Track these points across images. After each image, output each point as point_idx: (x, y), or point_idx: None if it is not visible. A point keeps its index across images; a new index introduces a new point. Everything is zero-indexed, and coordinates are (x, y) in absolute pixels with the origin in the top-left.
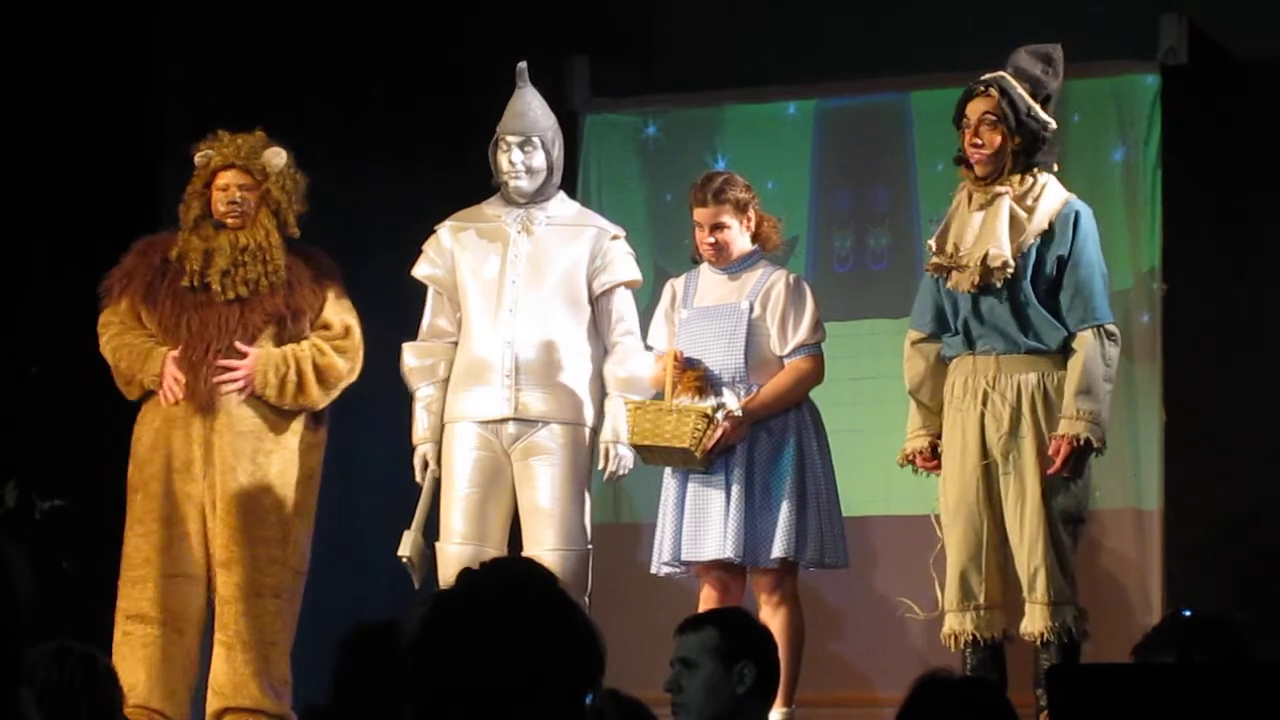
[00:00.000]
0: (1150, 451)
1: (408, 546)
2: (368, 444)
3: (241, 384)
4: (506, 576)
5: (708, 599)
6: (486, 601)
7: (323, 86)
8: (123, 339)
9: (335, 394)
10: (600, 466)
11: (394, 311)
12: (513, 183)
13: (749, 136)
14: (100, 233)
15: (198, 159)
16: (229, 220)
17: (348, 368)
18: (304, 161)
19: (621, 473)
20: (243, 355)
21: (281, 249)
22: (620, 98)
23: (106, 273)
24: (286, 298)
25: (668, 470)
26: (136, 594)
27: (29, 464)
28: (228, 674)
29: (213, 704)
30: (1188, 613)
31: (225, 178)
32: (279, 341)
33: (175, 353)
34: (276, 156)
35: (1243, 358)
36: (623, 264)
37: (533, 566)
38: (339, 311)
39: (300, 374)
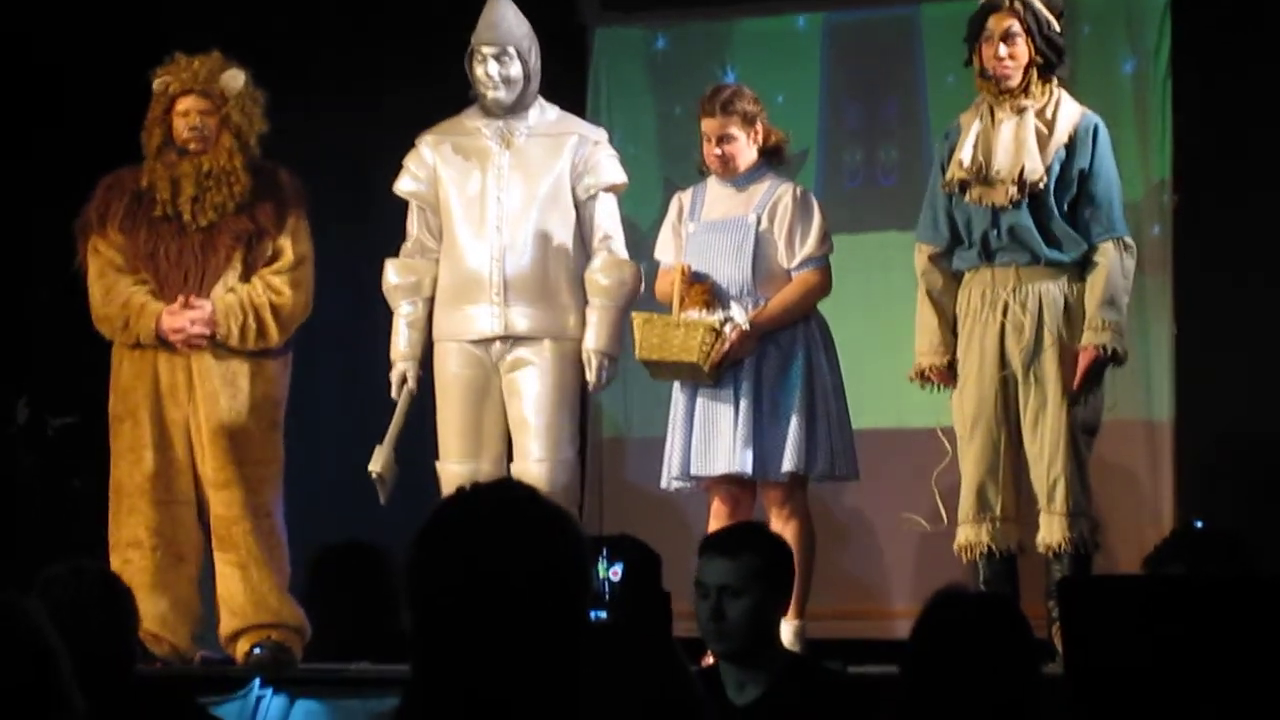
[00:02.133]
0: (1161, 363)
1: (378, 462)
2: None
3: (201, 332)
4: (489, 493)
5: (718, 513)
6: (473, 518)
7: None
8: (115, 285)
9: (292, 330)
10: (589, 377)
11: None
12: (490, 94)
13: (758, 50)
14: (108, 156)
15: (156, 85)
16: (191, 145)
17: (302, 302)
18: (307, 89)
19: (605, 382)
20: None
21: (245, 171)
22: (629, 11)
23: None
24: (251, 218)
25: (676, 384)
26: (133, 522)
27: (41, 382)
28: (245, 593)
29: (230, 624)
30: (1198, 525)
31: (185, 103)
32: (245, 265)
33: (170, 308)
34: (234, 79)
35: (1254, 270)
36: (606, 168)
37: (513, 483)
38: (297, 240)
39: (259, 320)
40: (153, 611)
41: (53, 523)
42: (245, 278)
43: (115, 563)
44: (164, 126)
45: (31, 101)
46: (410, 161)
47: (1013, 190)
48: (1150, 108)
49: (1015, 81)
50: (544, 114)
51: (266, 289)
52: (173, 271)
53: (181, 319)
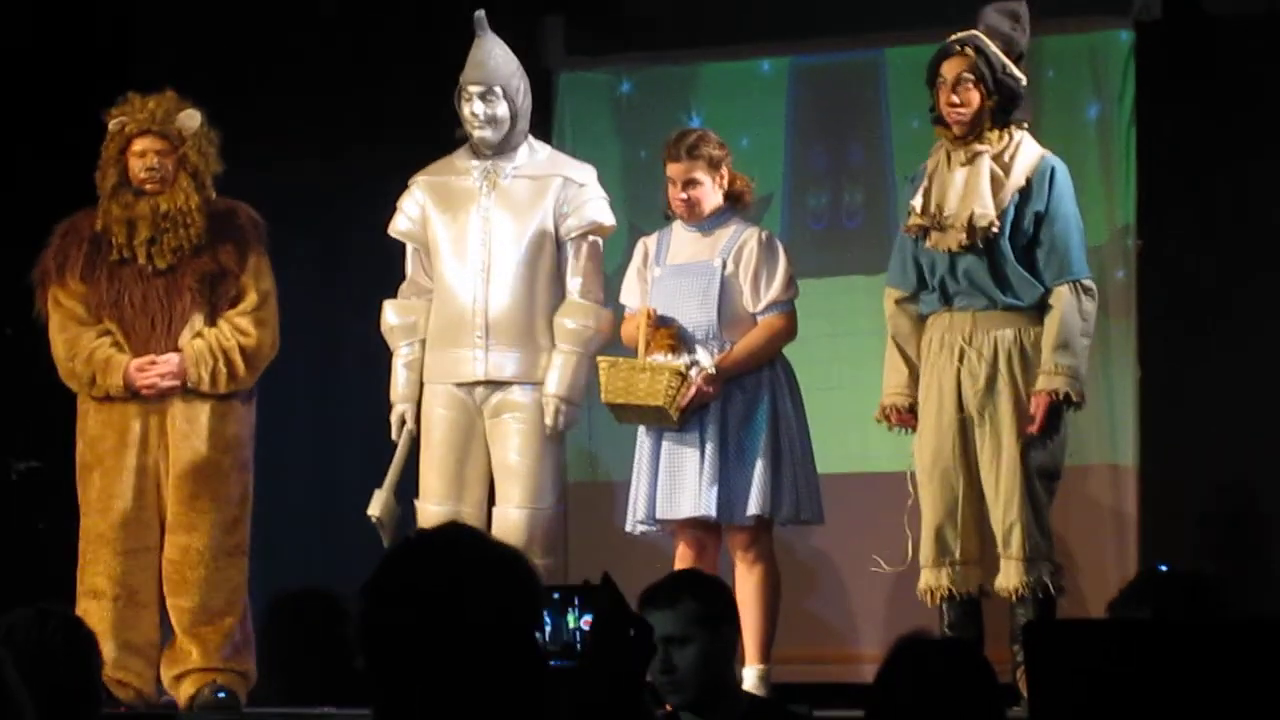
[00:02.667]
0: (1126, 407)
1: (377, 506)
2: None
3: (172, 384)
4: (437, 538)
5: (683, 557)
6: (423, 563)
7: (287, 44)
8: (78, 340)
9: (262, 369)
10: (546, 421)
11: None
12: (476, 134)
13: (723, 94)
14: (73, 194)
15: (111, 125)
16: (148, 186)
17: (269, 340)
18: (282, 128)
19: (562, 427)
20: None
21: (202, 212)
22: (594, 55)
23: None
24: (213, 258)
25: (641, 429)
26: (94, 571)
27: (4, 426)
28: (189, 639)
29: (175, 666)
30: (1163, 568)
31: (142, 143)
32: (210, 306)
33: (136, 362)
34: (190, 119)
35: (1217, 314)
36: (590, 209)
37: (457, 526)
38: (259, 278)
39: (230, 363)
40: (113, 658)
41: (18, 567)
42: (210, 319)
43: (77, 610)
44: (119, 167)
45: None
46: (404, 202)
47: (962, 235)
48: (1114, 152)
49: (966, 128)
50: (533, 154)
51: (235, 331)
52: (138, 319)
53: (151, 375)
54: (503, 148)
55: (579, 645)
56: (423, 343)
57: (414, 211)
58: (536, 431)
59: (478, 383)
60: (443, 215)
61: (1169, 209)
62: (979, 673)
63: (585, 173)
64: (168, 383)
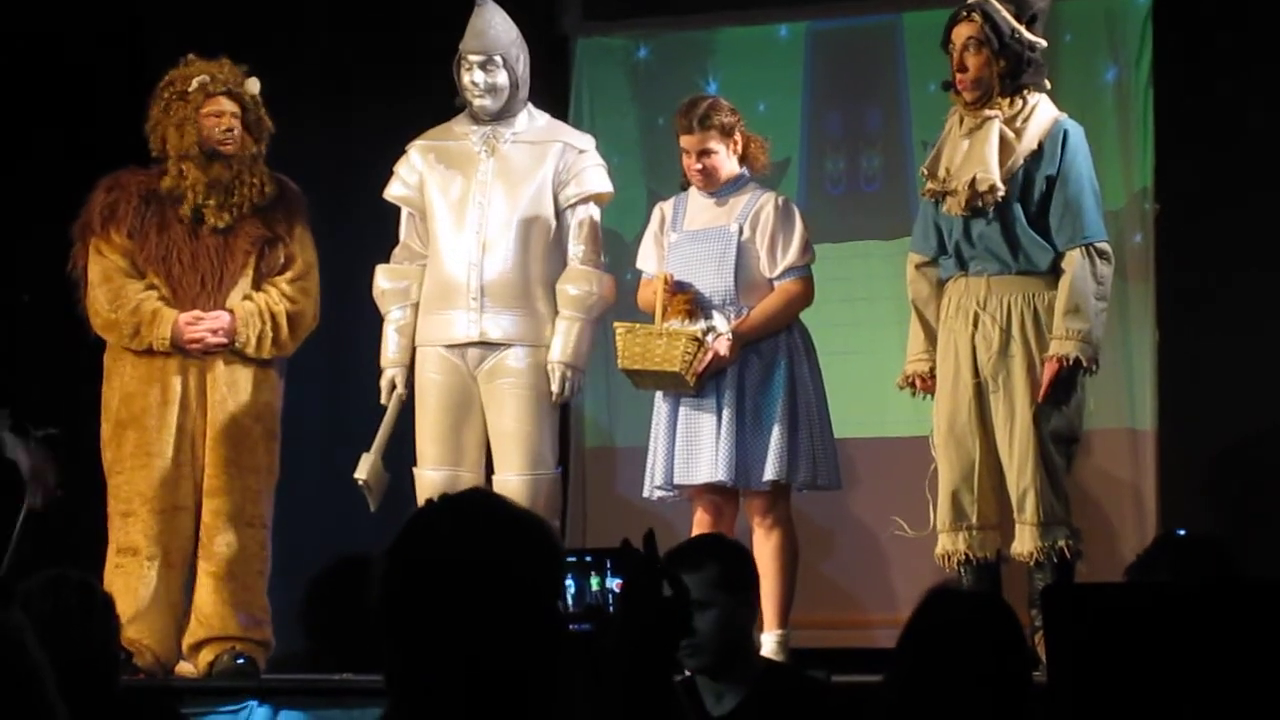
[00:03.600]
0: (1144, 372)
1: (365, 470)
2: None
3: (221, 343)
4: (459, 503)
5: (701, 522)
6: (444, 528)
7: (306, 10)
8: (123, 290)
9: (303, 339)
10: (552, 388)
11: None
12: (476, 102)
13: (741, 59)
14: (93, 163)
15: (194, 84)
16: (225, 148)
17: (312, 311)
18: (295, 93)
19: (568, 393)
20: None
21: (269, 177)
22: (611, 21)
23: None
24: (266, 222)
25: (659, 394)
26: (130, 527)
27: (22, 391)
28: (214, 605)
29: (196, 633)
30: (1181, 533)
31: (219, 104)
32: (257, 271)
33: (185, 316)
34: (253, 83)
35: (1235, 277)
36: (589, 177)
37: (482, 492)
38: (304, 248)
39: (276, 328)
40: (141, 619)
41: (37, 532)
42: (256, 284)
43: (108, 567)
44: (195, 126)
45: (9, 106)
46: (400, 167)
47: (964, 199)
48: (1132, 116)
49: (975, 93)
50: (533, 120)
51: (282, 297)
52: (187, 275)
53: (201, 329)
54: (502, 114)
55: (610, 607)
56: (415, 307)
57: (410, 177)
58: (534, 396)
59: (471, 344)
60: (440, 180)
61: (1187, 173)
62: (1008, 626)
63: (585, 140)
64: (217, 339)
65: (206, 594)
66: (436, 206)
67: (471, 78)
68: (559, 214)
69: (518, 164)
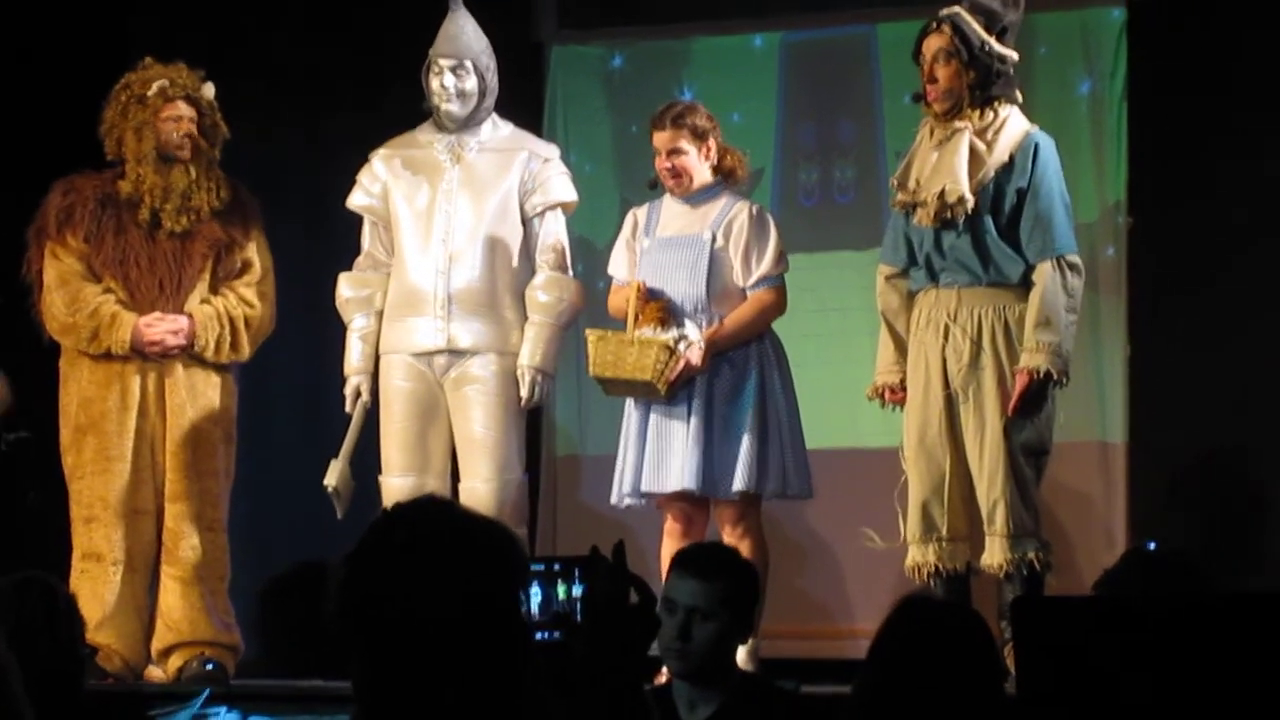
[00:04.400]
0: (1115, 385)
1: (334, 476)
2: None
3: (181, 345)
4: (416, 511)
5: (671, 531)
6: (401, 536)
7: (280, 16)
8: (80, 294)
9: (259, 343)
10: (522, 393)
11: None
12: (444, 106)
13: (715, 68)
14: (55, 166)
15: (153, 88)
16: (181, 152)
17: (269, 315)
18: (267, 100)
19: (538, 398)
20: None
21: (224, 182)
22: (586, 29)
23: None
24: (223, 226)
25: (629, 402)
26: (93, 533)
27: None
28: (183, 610)
29: (165, 639)
30: (1151, 546)
31: (177, 108)
32: (214, 275)
33: (144, 319)
34: (209, 88)
35: (1207, 291)
36: (555, 185)
37: (438, 499)
38: (261, 253)
39: (234, 332)
40: (108, 624)
41: (7, 538)
42: (213, 288)
43: (74, 573)
44: (154, 131)
45: None
46: (363, 176)
47: (933, 211)
48: (1106, 129)
49: (945, 104)
50: (497, 130)
51: (240, 301)
52: (145, 279)
53: (160, 329)
54: (468, 122)
55: (577, 615)
56: (379, 315)
57: (373, 185)
58: (501, 403)
59: (438, 351)
60: (405, 188)
61: (1160, 186)
62: (979, 636)
63: (549, 149)
64: (177, 340)
65: (174, 599)
66: (401, 215)
67: (442, 81)
68: (525, 222)
69: (483, 172)
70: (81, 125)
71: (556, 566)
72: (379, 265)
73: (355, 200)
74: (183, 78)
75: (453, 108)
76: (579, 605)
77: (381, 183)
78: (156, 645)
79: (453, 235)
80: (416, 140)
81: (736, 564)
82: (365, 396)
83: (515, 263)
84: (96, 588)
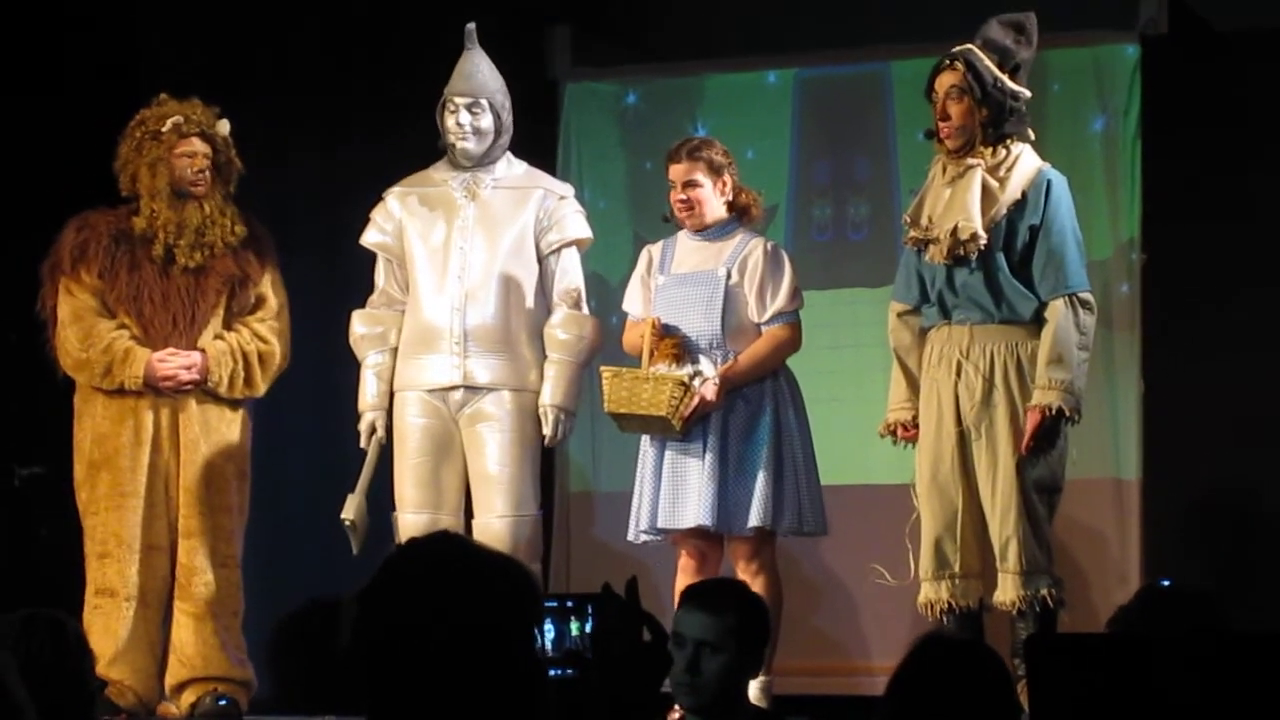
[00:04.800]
0: (1129, 422)
1: (351, 510)
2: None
3: (194, 380)
4: (429, 547)
5: (686, 568)
6: (415, 572)
7: (297, 54)
8: (94, 329)
9: (274, 378)
10: (545, 431)
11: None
12: (459, 144)
13: (729, 105)
14: (72, 201)
15: (168, 124)
16: (196, 189)
17: (283, 352)
18: (283, 136)
19: (561, 436)
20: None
21: (239, 218)
22: (600, 66)
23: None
24: (237, 262)
25: (645, 438)
26: (107, 568)
27: (8, 431)
28: (196, 645)
29: (178, 674)
30: (1165, 583)
31: (192, 144)
32: (228, 311)
33: (159, 354)
34: (224, 124)
35: (1221, 328)
36: (570, 223)
37: (452, 535)
38: (276, 289)
39: (248, 368)
40: (121, 660)
41: (20, 573)
42: (227, 324)
43: (86, 609)
44: (168, 167)
45: None
46: (377, 214)
47: (946, 248)
48: (1119, 166)
49: (958, 141)
50: (511, 168)
51: (254, 337)
52: (158, 315)
53: (174, 365)
54: (483, 160)
55: (590, 652)
56: (393, 351)
57: (387, 224)
58: (516, 439)
59: (453, 387)
60: (420, 226)
61: (1173, 223)
62: (997, 675)
63: (564, 187)
64: (190, 375)
65: (187, 634)
66: (416, 252)
67: (457, 119)
68: (540, 260)
69: (499, 210)
70: (95, 161)
71: (569, 603)
72: (393, 302)
73: (369, 238)
74: (197, 114)
75: (468, 145)
76: (591, 642)
77: (396, 220)
78: (170, 681)
79: (468, 272)
80: (431, 178)
81: (744, 597)
82: (380, 432)
83: (530, 300)
84: (109, 623)
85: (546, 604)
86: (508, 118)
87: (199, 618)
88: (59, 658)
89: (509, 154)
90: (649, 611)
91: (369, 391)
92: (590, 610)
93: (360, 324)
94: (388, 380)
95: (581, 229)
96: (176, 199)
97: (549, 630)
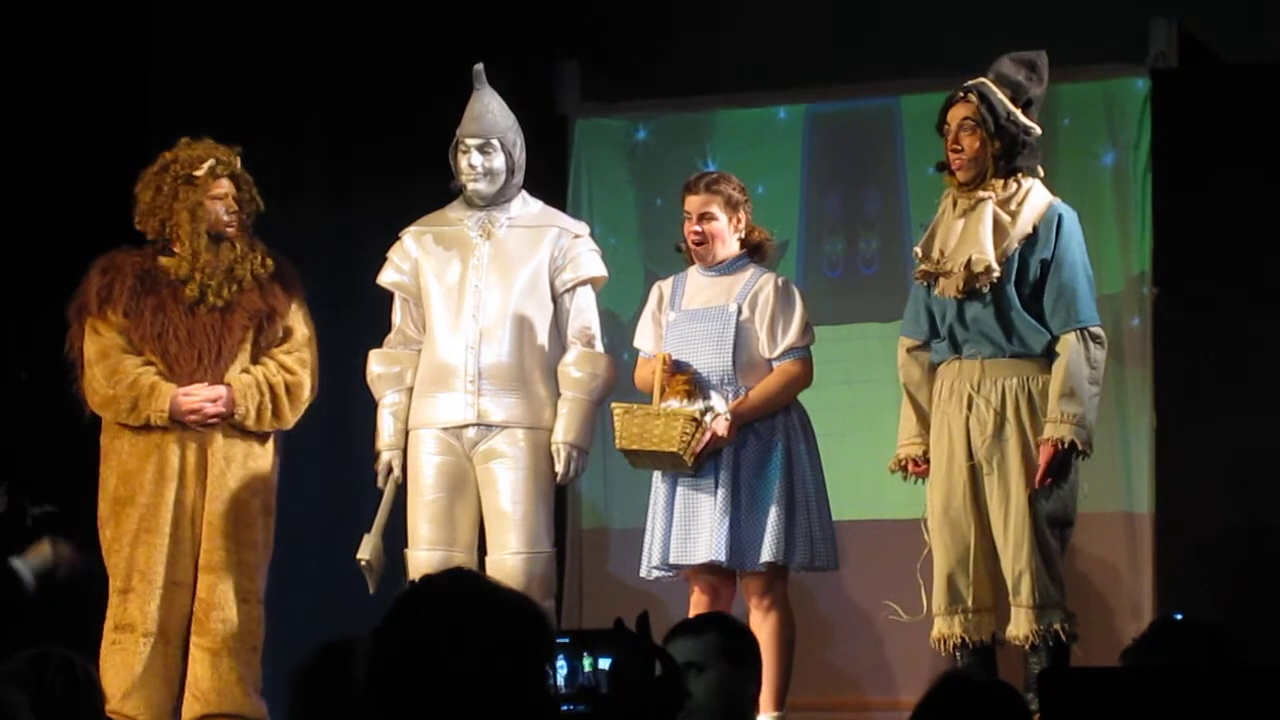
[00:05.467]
0: (1141, 455)
1: (367, 550)
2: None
3: (220, 413)
4: (442, 584)
5: (698, 603)
6: (427, 610)
7: (308, 94)
8: (120, 366)
9: (302, 411)
10: (557, 469)
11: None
12: (471, 185)
13: (739, 141)
14: (88, 239)
15: (204, 168)
16: (229, 230)
17: (311, 384)
18: (296, 175)
19: (573, 474)
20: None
21: (269, 255)
22: (610, 102)
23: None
24: (263, 296)
25: (656, 474)
26: (128, 604)
27: (20, 469)
28: (212, 680)
29: (194, 710)
30: (1178, 617)
31: (221, 187)
32: (256, 346)
33: (185, 389)
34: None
35: (1233, 361)
36: (585, 261)
37: (465, 571)
38: (302, 321)
39: (275, 400)
40: (137, 695)
41: (36, 610)
42: (255, 358)
43: (105, 643)
44: (205, 211)
45: (15, 189)
46: (393, 254)
47: (960, 281)
48: (1130, 199)
49: (969, 173)
50: (526, 206)
51: (280, 369)
52: (184, 352)
53: (198, 400)
54: (497, 199)
55: (602, 688)
56: (409, 391)
57: (404, 263)
58: (530, 477)
59: (467, 425)
60: (436, 265)
61: (1184, 257)
62: (1017, 714)
63: (579, 225)
64: (215, 409)
65: (203, 670)
66: (432, 291)
67: (469, 160)
68: (555, 298)
69: (513, 248)
70: (94, 201)
71: (581, 639)
72: (409, 342)
73: (386, 277)
74: (222, 154)
75: (480, 186)
76: (604, 677)
77: (412, 260)
78: (186, 716)
79: (483, 311)
80: (447, 217)
81: (723, 620)
82: (397, 472)
83: (545, 338)
84: (127, 659)
85: (560, 640)
86: (520, 156)
87: (215, 653)
88: (69, 696)
89: (524, 192)
90: (660, 646)
91: (385, 430)
92: (604, 646)
93: (377, 363)
94: (404, 420)
95: (596, 267)
96: (213, 242)
97: (562, 666)
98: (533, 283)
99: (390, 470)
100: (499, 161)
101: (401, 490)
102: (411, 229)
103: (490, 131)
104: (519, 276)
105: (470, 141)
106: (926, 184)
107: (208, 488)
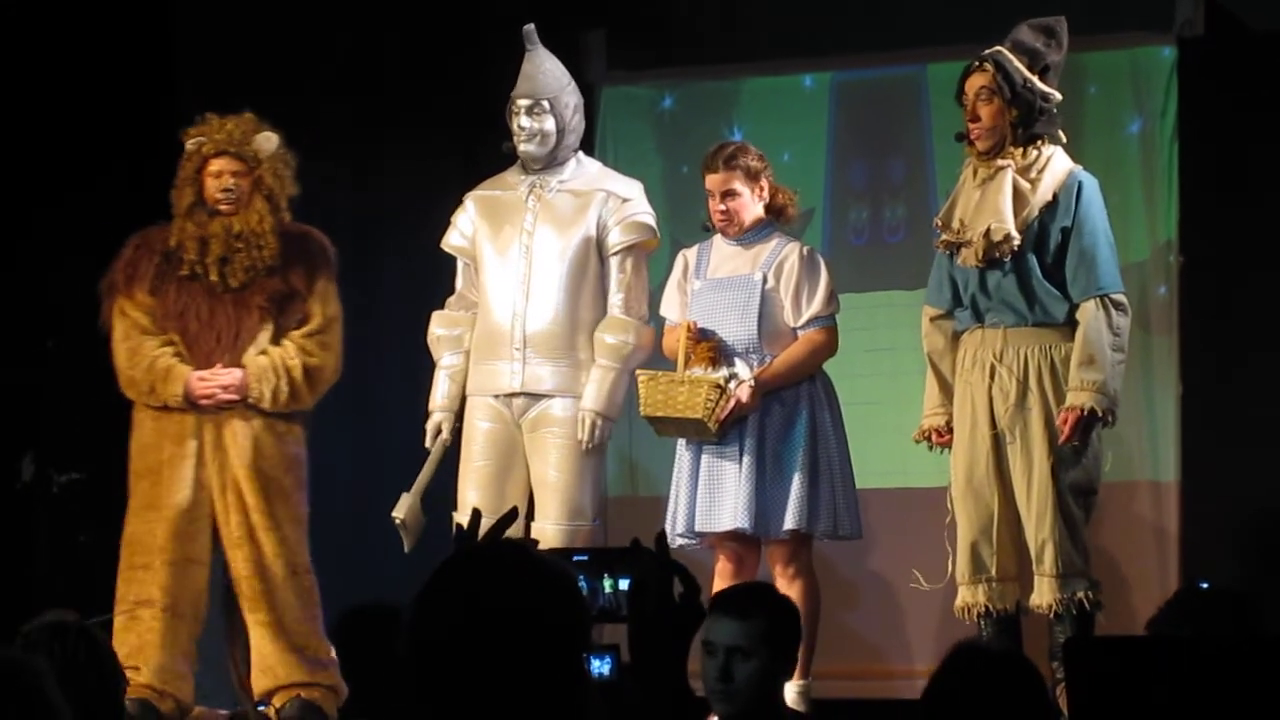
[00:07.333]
0: (1167, 424)
1: (403, 509)
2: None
3: (232, 398)
4: (485, 552)
5: (723, 571)
6: (470, 577)
7: (335, 66)
8: (140, 348)
9: (323, 392)
10: (581, 436)
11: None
12: (522, 147)
13: (765, 109)
14: (118, 210)
15: (189, 145)
16: (222, 207)
17: (333, 364)
18: (327, 144)
19: (596, 441)
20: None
21: (275, 234)
22: (636, 70)
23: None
24: (283, 280)
25: (681, 442)
26: (145, 579)
27: (46, 437)
28: (275, 654)
29: (262, 683)
30: (1204, 585)
31: (218, 164)
32: (276, 328)
33: (199, 373)
34: (268, 141)
35: (1259, 330)
36: (633, 224)
37: (509, 540)
38: (326, 302)
39: (292, 382)
40: (158, 667)
41: (59, 579)
42: (275, 339)
43: (120, 619)
44: (195, 186)
45: (51, 159)
46: (457, 217)
47: (979, 250)
48: (1156, 168)
49: (988, 142)
50: (580, 168)
51: (298, 351)
52: (204, 332)
53: (212, 384)
54: (549, 162)
55: (622, 610)
56: (467, 354)
57: (466, 227)
58: (575, 447)
59: (515, 394)
60: (489, 229)
61: (1211, 225)
62: (1031, 684)
63: (631, 187)
64: (227, 395)
65: (265, 644)
66: (486, 256)
67: (519, 122)
68: (603, 261)
69: (562, 213)
70: (128, 180)
71: (600, 558)
72: (469, 305)
73: (449, 241)
74: (228, 131)
75: (530, 148)
76: (624, 599)
77: (473, 224)
78: (256, 690)
79: (531, 277)
80: (504, 181)
81: (774, 600)
82: (446, 434)
83: (595, 304)
84: (145, 633)
85: (578, 559)
86: (572, 117)
87: (272, 626)
88: (92, 662)
89: (579, 154)
90: (679, 562)
91: (439, 392)
92: (620, 563)
93: (438, 325)
94: (460, 383)
95: (644, 230)
96: (207, 217)
97: (582, 586)
98: (582, 248)
99: (439, 431)
100: (548, 123)
101: (449, 454)
102: (473, 193)
103: (539, 92)
104: (568, 241)
105: (521, 103)
106: (952, 152)
107: (234, 468)
